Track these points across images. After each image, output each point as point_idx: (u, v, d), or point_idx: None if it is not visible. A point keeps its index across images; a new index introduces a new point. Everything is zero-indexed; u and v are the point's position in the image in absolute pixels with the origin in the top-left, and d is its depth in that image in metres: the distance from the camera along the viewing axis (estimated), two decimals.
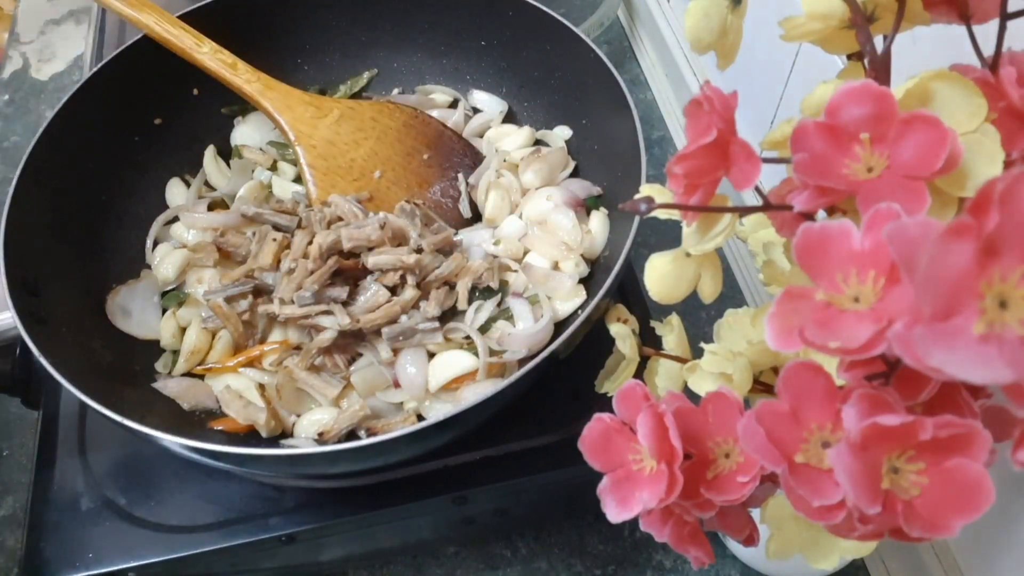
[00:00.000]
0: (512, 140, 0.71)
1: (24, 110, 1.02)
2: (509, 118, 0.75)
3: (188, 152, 0.72)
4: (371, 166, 0.67)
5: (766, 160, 0.32)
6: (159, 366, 0.60)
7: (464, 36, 0.74)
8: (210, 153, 0.72)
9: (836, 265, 0.26)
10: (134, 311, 0.61)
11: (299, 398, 0.57)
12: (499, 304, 0.60)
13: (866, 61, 0.33)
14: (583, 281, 0.61)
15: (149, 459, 0.57)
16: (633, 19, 1.07)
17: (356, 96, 0.77)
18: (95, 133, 0.65)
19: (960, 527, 0.26)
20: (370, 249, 0.59)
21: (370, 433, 0.55)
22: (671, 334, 0.45)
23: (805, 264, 0.27)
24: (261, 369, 0.59)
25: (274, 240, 0.60)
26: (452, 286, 0.60)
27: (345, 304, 0.57)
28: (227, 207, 0.69)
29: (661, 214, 0.34)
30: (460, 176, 0.70)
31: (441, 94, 0.76)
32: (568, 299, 0.60)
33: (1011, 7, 0.32)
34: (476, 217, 0.68)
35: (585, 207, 0.65)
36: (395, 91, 0.77)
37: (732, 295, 0.84)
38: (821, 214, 0.32)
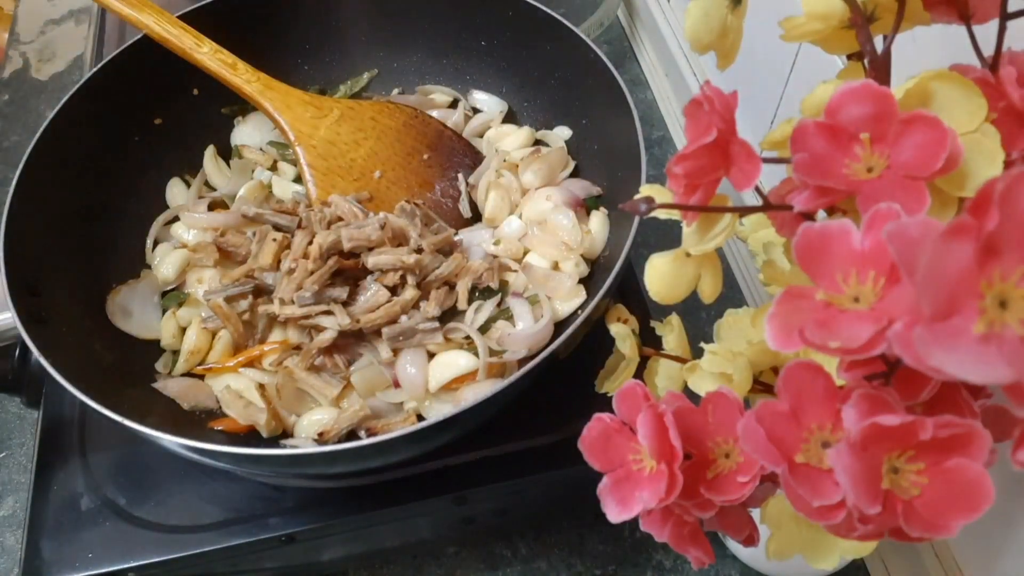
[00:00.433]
0: (512, 140, 0.71)
1: (24, 110, 1.02)
2: (509, 118, 0.75)
3: (188, 152, 0.72)
4: (371, 166, 0.67)
5: (766, 160, 0.32)
6: (159, 366, 0.60)
7: (464, 36, 0.74)
8: (210, 153, 0.72)
9: (836, 265, 0.26)
10: (134, 311, 0.61)
11: (299, 398, 0.57)
12: (499, 304, 0.60)
13: (866, 61, 0.33)
14: (583, 281, 0.61)
15: (149, 459, 0.57)
16: (633, 19, 1.07)
17: (356, 96, 0.77)
18: (95, 133, 0.65)
19: (960, 527, 0.26)
20: (370, 249, 0.59)
21: (370, 433, 0.55)
22: (671, 334, 0.45)
23: (805, 264, 0.27)
24: (261, 369, 0.59)
25: (274, 240, 0.60)
26: (452, 286, 0.60)
27: (345, 304, 0.57)
28: (227, 207, 0.69)
29: (661, 214, 0.34)
30: (460, 176, 0.70)
31: (441, 94, 0.76)
32: (568, 299, 0.60)
33: (1011, 7, 0.32)
34: (476, 217, 0.68)
35: (585, 207, 0.65)
36: (395, 91, 0.77)
37: (732, 295, 0.84)
38: (821, 214, 0.32)
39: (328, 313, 0.57)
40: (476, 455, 0.56)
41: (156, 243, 0.67)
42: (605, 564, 0.69)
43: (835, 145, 0.29)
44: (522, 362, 0.56)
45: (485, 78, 0.75)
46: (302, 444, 0.55)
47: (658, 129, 0.99)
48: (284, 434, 0.57)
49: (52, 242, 0.59)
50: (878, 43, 0.32)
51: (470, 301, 0.60)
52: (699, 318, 0.78)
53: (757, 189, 0.32)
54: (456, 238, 0.63)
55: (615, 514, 0.33)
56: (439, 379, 0.56)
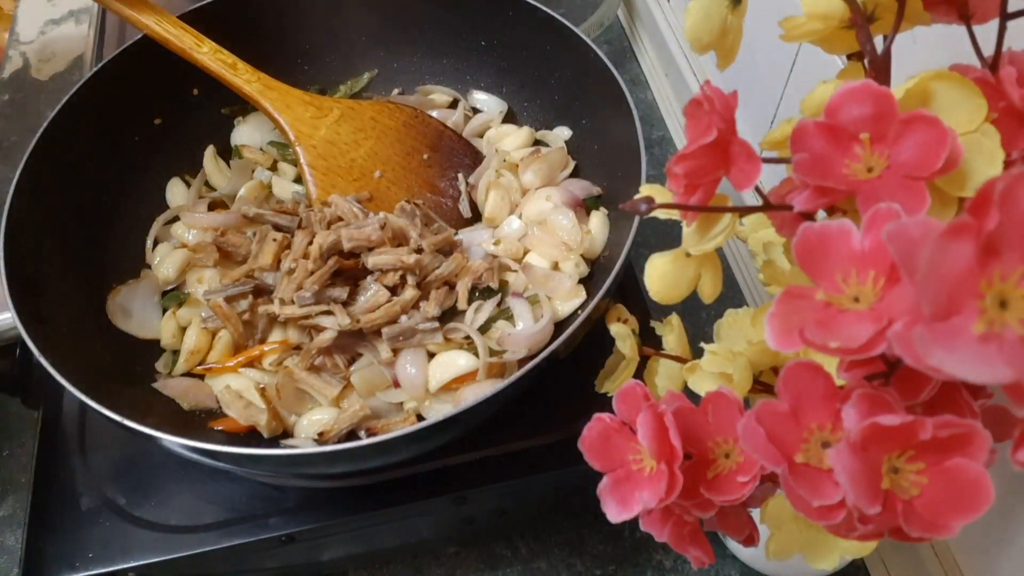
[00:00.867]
0: (512, 140, 0.71)
1: (24, 110, 1.02)
2: (509, 118, 0.75)
3: (188, 152, 0.72)
4: (371, 166, 0.67)
5: (766, 160, 0.32)
6: (159, 366, 0.60)
7: (464, 36, 0.74)
8: (210, 153, 0.72)
9: (836, 265, 0.26)
10: (134, 311, 0.61)
11: (299, 398, 0.57)
12: (499, 304, 0.60)
13: (866, 61, 0.33)
14: (583, 281, 0.61)
15: (149, 459, 0.57)
16: (633, 19, 1.07)
17: (356, 96, 0.77)
18: (95, 133, 0.65)
19: (960, 527, 0.26)
20: (370, 249, 0.59)
21: (370, 433, 0.55)
22: (671, 334, 0.45)
23: (805, 264, 0.27)
24: (261, 369, 0.59)
25: (274, 240, 0.60)
26: (452, 286, 0.60)
27: (345, 304, 0.57)
28: (227, 207, 0.69)
29: (661, 214, 0.34)
30: (460, 176, 0.70)
31: (441, 94, 0.76)
32: (568, 299, 0.60)
33: (1011, 7, 0.32)
34: (476, 217, 0.68)
35: (585, 207, 0.65)
36: (395, 91, 0.77)
37: (732, 295, 0.84)
38: (821, 214, 0.32)
39: (328, 313, 0.57)
40: (476, 455, 0.56)
41: (156, 243, 0.67)
42: (605, 564, 0.69)
43: (835, 145, 0.29)
44: (522, 362, 0.56)
45: (485, 78, 0.75)
46: (302, 444, 0.55)
47: (658, 129, 0.99)
48: (285, 434, 0.57)
49: (52, 241, 0.59)
50: (878, 43, 0.32)
51: (470, 301, 0.60)
52: (699, 318, 0.78)
53: (757, 189, 0.32)
54: (456, 238, 0.63)
55: (615, 514, 0.33)
56: (439, 379, 0.56)
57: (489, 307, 0.59)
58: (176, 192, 0.70)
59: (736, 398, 0.33)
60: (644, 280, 0.39)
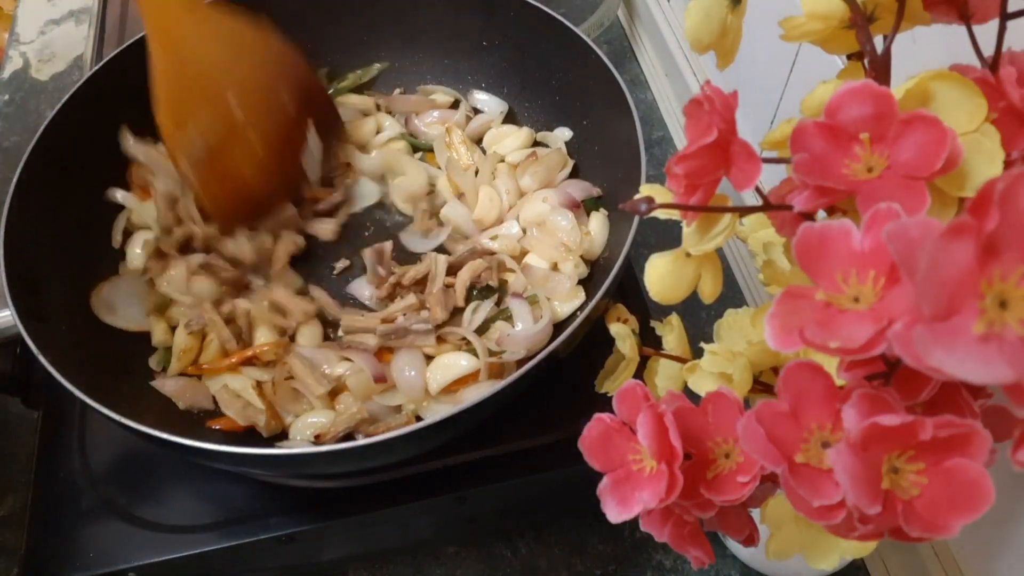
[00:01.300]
0: (512, 141, 0.71)
1: (24, 110, 1.01)
2: (510, 119, 0.75)
3: None
4: (222, 83, 0.57)
5: (766, 160, 0.32)
6: (152, 363, 0.60)
7: (465, 37, 0.74)
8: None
9: (836, 265, 0.26)
10: (118, 305, 0.61)
11: (294, 397, 0.57)
12: (498, 304, 0.60)
13: (866, 61, 0.33)
14: (582, 282, 0.61)
15: (149, 459, 0.57)
16: (633, 19, 1.07)
17: (365, 86, 0.77)
18: (96, 132, 0.64)
19: (960, 527, 0.26)
20: None
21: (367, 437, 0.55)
22: (671, 334, 0.45)
23: (805, 264, 0.27)
24: (260, 366, 0.59)
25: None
26: (450, 286, 0.60)
27: None
28: None
29: (661, 214, 0.34)
30: (313, 132, 0.64)
31: (442, 94, 0.76)
32: (567, 300, 0.60)
33: (1011, 7, 0.32)
34: (326, 182, 0.68)
35: (583, 208, 0.65)
36: (396, 91, 0.77)
37: (732, 295, 0.84)
38: (821, 214, 0.32)
39: None
40: (476, 455, 0.56)
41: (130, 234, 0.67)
42: (605, 564, 0.69)
43: (835, 145, 0.29)
44: (521, 362, 0.56)
45: (486, 79, 0.75)
46: (297, 445, 0.55)
47: (658, 129, 0.99)
48: (283, 434, 0.57)
49: (52, 241, 0.59)
50: (878, 43, 0.32)
51: (468, 301, 0.59)
52: (699, 318, 0.78)
53: (757, 189, 0.32)
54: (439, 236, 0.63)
55: (615, 514, 0.33)
56: (440, 381, 0.56)
57: (487, 307, 0.59)
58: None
59: (736, 398, 0.33)
60: (644, 280, 0.39)
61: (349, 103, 0.75)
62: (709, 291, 0.39)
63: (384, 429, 0.55)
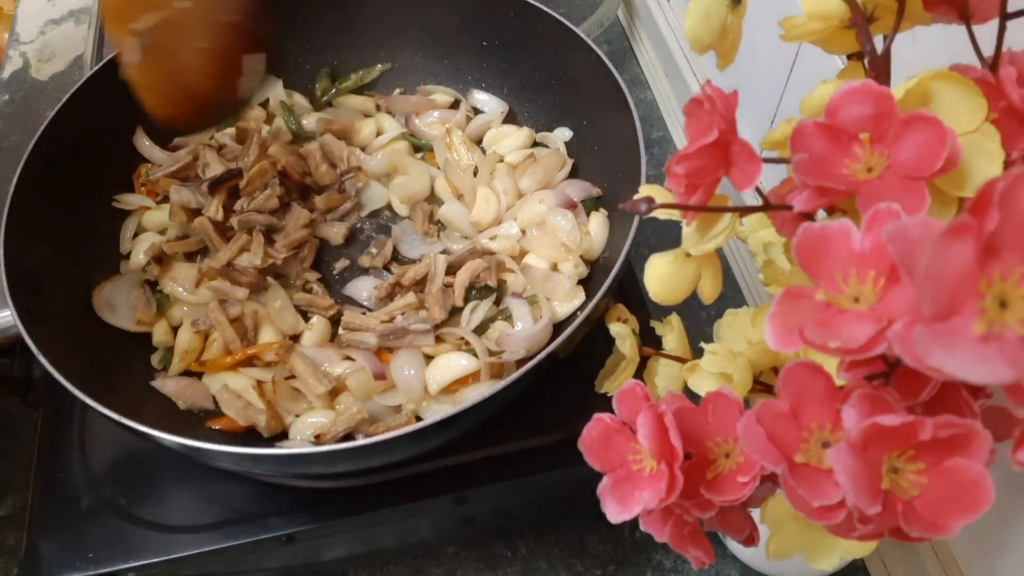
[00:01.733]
0: (511, 141, 0.71)
1: (24, 110, 1.01)
2: (510, 119, 0.75)
3: None
4: None
5: (766, 160, 0.32)
6: (154, 361, 0.60)
7: (466, 37, 0.74)
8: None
9: (836, 265, 0.26)
10: (119, 305, 0.61)
11: (294, 397, 0.57)
12: (497, 303, 0.60)
13: (866, 61, 0.33)
14: (582, 282, 0.61)
15: (149, 459, 0.57)
16: (633, 19, 1.07)
17: (367, 87, 0.77)
18: (97, 131, 0.65)
19: (960, 527, 0.26)
20: None
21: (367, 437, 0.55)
22: (671, 334, 0.45)
23: (805, 264, 0.27)
24: (261, 366, 0.59)
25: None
26: (449, 286, 0.60)
27: None
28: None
29: (661, 214, 0.34)
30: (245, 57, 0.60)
31: (443, 95, 0.76)
32: (567, 300, 0.60)
33: (1011, 7, 0.32)
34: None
35: (581, 208, 0.65)
36: (396, 91, 0.77)
37: (732, 295, 0.84)
38: (821, 214, 0.32)
39: None
40: (476, 455, 0.56)
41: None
42: (605, 564, 0.69)
43: (835, 145, 0.29)
44: (521, 362, 0.56)
45: (487, 79, 0.75)
46: (297, 445, 0.55)
47: (658, 129, 0.99)
48: (284, 434, 0.57)
49: (52, 240, 0.59)
50: (878, 43, 0.32)
51: (466, 300, 0.59)
52: (699, 318, 0.78)
53: (757, 189, 0.32)
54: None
55: (615, 514, 0.33)
56: (440, 381, 0.56)
57: (485, 307, 0.59)
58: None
59: (736, 398, 0.33)
60: (644, 280, 0.39)
61: (350, 104, 0.75)
62: (709, 291, 0.39)
63: (384, 429, 0.55)
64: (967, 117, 0.29)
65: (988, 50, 0.32)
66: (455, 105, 0.75)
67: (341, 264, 0.65)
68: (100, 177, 0.65)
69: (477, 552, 0.70)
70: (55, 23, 1.11)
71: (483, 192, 0.66)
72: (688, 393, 0.38)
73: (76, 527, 0.54)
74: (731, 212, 0.34)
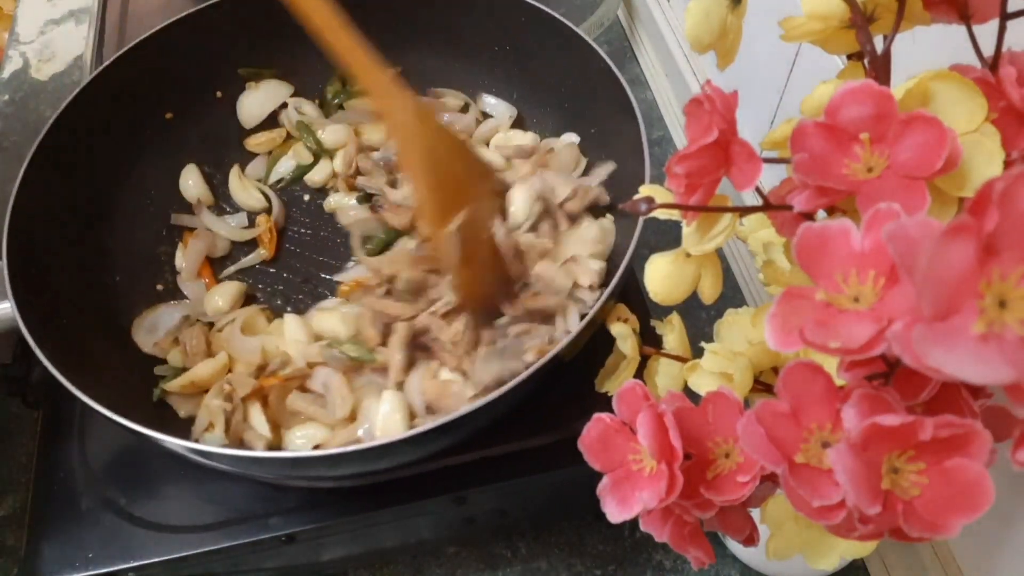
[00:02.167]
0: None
1: (24, 110, 1.01)
2: (517, 124, 0.74)
3: (199, 146, 0.72)
4: (467, 183, 0.59)
5: (766, 160, 0.32)
6: (159, 370, 0.60)
7: (476, 41, 0.73)
8: (235, 173, 0.72)
9: (836, 265, 0.26)
10: (159, 329, 0.61)
11: (291, 414, 0.57)
12: None
13: (866, 61, 0.33)
14: None
15: (149, 459, 0.57)
16: (633, 19, 1.07)
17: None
18: (102, 127, 0.65)
19: (960, 527, 0.26)
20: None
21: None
22: (671, 333, 0.45)
23: (805, 264, 0.27)
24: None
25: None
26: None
27: None
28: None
29: (661, 214, 0.34)
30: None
31: (453, 98, 0.76)
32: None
33: (1011, 7, 0.32)
34: None
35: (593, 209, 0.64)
36: None
37: (732, 295, 0.84)
38: (821, 214, 0.32)
39: None
40: (476, 455, 0.56)
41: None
42: (605, 564, 0.69)
43: (835, 145, 0.29)
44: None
45: (496, 83, 0.75)
46: (297, 448, 0.55)
47: (658, 129, 0.99)
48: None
49: (55, 238, 0.59)
50: (878, 43, 0.33)
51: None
52: (699, 318, 0.78)
53: (757, 189, 0.32)
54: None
55: (615, 514, 0.33)
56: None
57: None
58: (191, 181, 0.70)
59: (736, 398, 0.33)
60: (644, 280, 0.39)
61: (362, 107, 0.75)
62: (709, 291, 0.39)
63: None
64: (967, 117, 0.29)
65: (988, 50, 0.32)
66: (464, 109, 0.75)
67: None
68: (107, 172, 0.65)
69: (477, 552, 0.70)
70: (55, 23, 1.11)
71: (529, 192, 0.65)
72: (688, 393, 0.38)
73: (76, 527, 0.54)
74: (731, 212, 0.34)
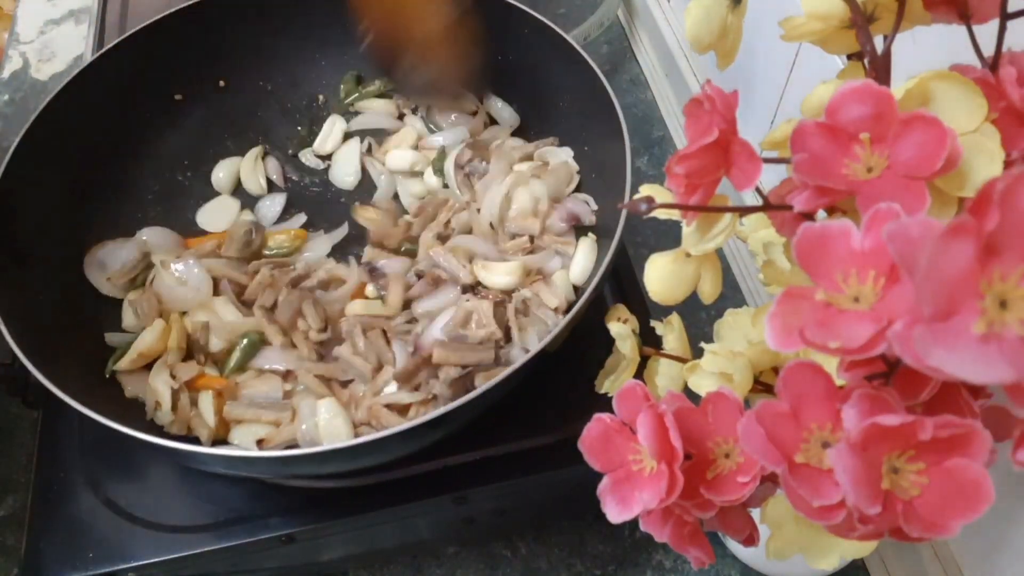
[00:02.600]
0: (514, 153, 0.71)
1: (24, 110, 1.02)
2: (519, 133, 0.74)
3: (202, 136, 0.72)
4: None
5: (766, 160, 0.32)
6: (109, 339, 0.60)
7: (485, 50, 0.73)
8: (253, 154, 0.72)
9: (836, 265, 0.26)
10: (110, 266, 0.62)
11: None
12: None
13: (866, 61, 0.33)
14: None
15: (149, 459, 0.57)
16: (633, 19, 1.07)
17: (381, 96, 0.77)
18: (97, 113, 0.65)
19: (960, 527, 0.26)
20: None
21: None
22: (671, 334, 0.45)
23: (805, 264, 0.27)
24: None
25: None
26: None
27: None
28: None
29: (661, 214, 0.34)
30: None
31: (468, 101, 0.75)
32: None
33: (1011, 7, 0.32)
34: None
35: (578, 226, 0.64)
36: None
37: (732, 295, 0.84)
38: (821, 214, 0.32)
39: None
40: (476, 455, 0.56)
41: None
42: (605, 564, 0.69)
43: (835, 145, 0.29)
44: None
45: (503, 91, 0.75)
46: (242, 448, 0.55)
47: (658, 129, 0.99)
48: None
49: (48, 232, 0.60)
50: (878, 43, 0.33)
51: None
52: (699, 318, 0.78)
53: (757, 189, 0.32)
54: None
55: (615, 514, 0.33)
56: None
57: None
58: (223, 176, 0.71)
59: (736, 398, 0.33)
60: (644, 280, 0.39)
61: (375, 108, 0.76)
62: (709, 291, 0.39)
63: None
64: (967, 117, 0.29)
65: (988, 50, 0.32)
66: (472, 113, 0.75)
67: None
68: (99, 159, 0.66)
69: (477, 552, 0.70)
70: (55, 23, 1.11)
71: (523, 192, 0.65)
72: (688, 393, 0.38)
73: (76, 527, 0.54)
74: (731, 212, 0.34)
